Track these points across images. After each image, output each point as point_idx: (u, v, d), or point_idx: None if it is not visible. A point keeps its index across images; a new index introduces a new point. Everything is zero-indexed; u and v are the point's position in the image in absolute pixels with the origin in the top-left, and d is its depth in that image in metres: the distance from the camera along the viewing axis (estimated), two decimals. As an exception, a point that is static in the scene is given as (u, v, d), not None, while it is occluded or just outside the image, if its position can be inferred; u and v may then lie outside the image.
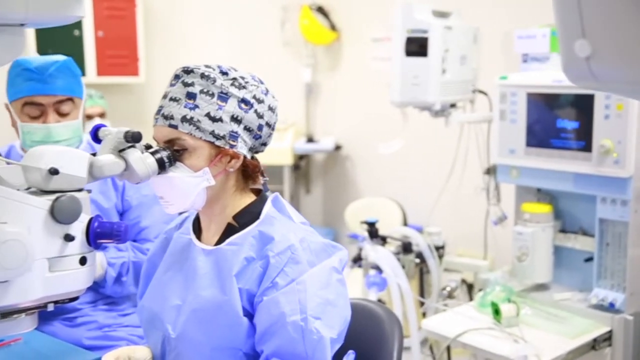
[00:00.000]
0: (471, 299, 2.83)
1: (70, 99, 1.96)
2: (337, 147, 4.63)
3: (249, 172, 1.43)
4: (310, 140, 4.73)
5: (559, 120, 2.23)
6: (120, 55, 4.26)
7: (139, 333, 2.06)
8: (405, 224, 3.59)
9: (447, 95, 2.48)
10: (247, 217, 1.42)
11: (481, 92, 2.67)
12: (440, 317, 2.32)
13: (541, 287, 2.37)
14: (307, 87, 4.74)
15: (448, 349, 2.50)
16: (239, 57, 4.57)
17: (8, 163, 1.32)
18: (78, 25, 4.13)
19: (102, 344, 1.96)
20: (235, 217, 1.42)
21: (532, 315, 2.20)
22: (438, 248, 2.64)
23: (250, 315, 1.35)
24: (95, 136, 1.37)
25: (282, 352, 1.29)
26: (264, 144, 1.44)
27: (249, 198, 1.45)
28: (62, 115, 1.95)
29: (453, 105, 2.57)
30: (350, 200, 4.23)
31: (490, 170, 2.56)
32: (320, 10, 4.57)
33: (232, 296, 1.33)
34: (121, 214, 2.04)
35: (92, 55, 4.11)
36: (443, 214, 3.05)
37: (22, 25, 1.16)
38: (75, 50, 3.99)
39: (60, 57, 1.97)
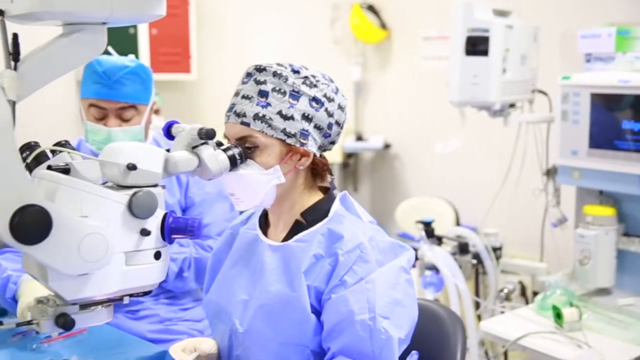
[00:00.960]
0: (526, 301, 2.79)
1: (134, 106, 1.99)
2: (386, 146, 4.62)
3: (318, 170, 1.43)
4: (359, 138, 4.72)
5: (624, 122, 2.18)
6: (173, 53, 4.32)
7: (199, 327, 2.08)
8: (457, 224, 3.56)
9: (507, 95, 2.44)
10: (315, 214, 1.42)
11: (541, 92, 2.62)
12: (499, 319, 2.29)
13: (603, 291, 2.31)
14: (357, 86, 4.74)
15: (505, 351, 2.47)
16: (289, 55, 4.58)
17: (84, 157, 1.35)
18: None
19: (163, 338, 2.00)
20: (303, 214, 1.43)
21: (594, 320, 2.14)
22: (495, 249, 2.60)
23: (317, 312, 1.35)
24: (168, 132, 1.39)
25: (349, 350, 1.29)
26: (333, 142, 1.44)
27: (317, 196, 1.46)
28: (125, 120, 1.99)
29: (512, 105, 2.53)
30: (398, 199, 4.20)
31: (551, 172, 2.51)
32: (371, 8, 4.55)
33: (301, 293, 1.34)
34: (184, 211, 2.06)
35: (146, 53, 4.18)
36: (497, 215, 3.01)
37: (103, 23, 1.18)
38: (130, 47, 4.06)
39: (131, 62, 1.99)
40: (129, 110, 1.98)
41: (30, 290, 1.76)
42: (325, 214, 1.42)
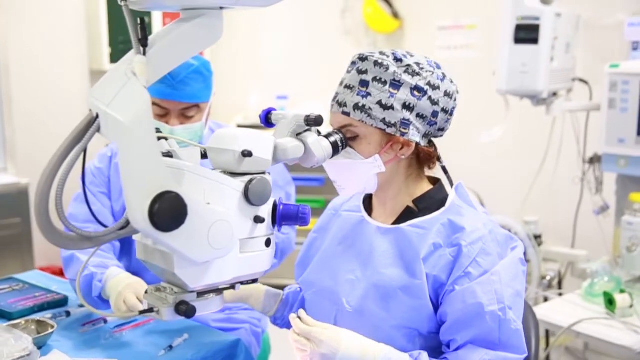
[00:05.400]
0: (560, 287, 2.82)
1: (196, 105, 1.96)
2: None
3: (421, 158, 1.43)
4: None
5: (673, 110, 2.21)
6: (188, 42, 4.25)
7: (257, 316, 2.08)
8: (482, 213, 3.56)
9: (554, 84, 2.46)
10: (427, 202, 1.42)
11: (582, 80, 2.65)
12: (548, 306, 2.31)
13: (649, 277, 2.35)
14: (368, 76, 4.71)
15: (547, 337, 2.50)
16: (299, 44, 4.58)
17: (182, 145, 1.32)
18: (148, 12, 4.15)
19: (226, 326, 1.99)
20: (415, 201, 1.43)
21: (643, 306, 2.18)
22: (536, 237, 2.63)
23: (431, 300, 1.35)
24: (267, 120, 1.38)
25: (478, 340, 1.30)
26: (442, 129, 1.44)
27: (426, 184, 1.46)
28: (187, 118, 1.96)
29: (554, 94, 2.55)
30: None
31: (593, 160, 2.54)
32: (385, -3, 4.54)
33: (422, 280, 1.33)
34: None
35: (161, 41, 4.12)
36: (529, 204, 3.03)
37: (221, 8, 1.16)
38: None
39: (194, 60, 1.96)
40: (192, 109, 1.95)
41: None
42: (440, 203, 1.42)
